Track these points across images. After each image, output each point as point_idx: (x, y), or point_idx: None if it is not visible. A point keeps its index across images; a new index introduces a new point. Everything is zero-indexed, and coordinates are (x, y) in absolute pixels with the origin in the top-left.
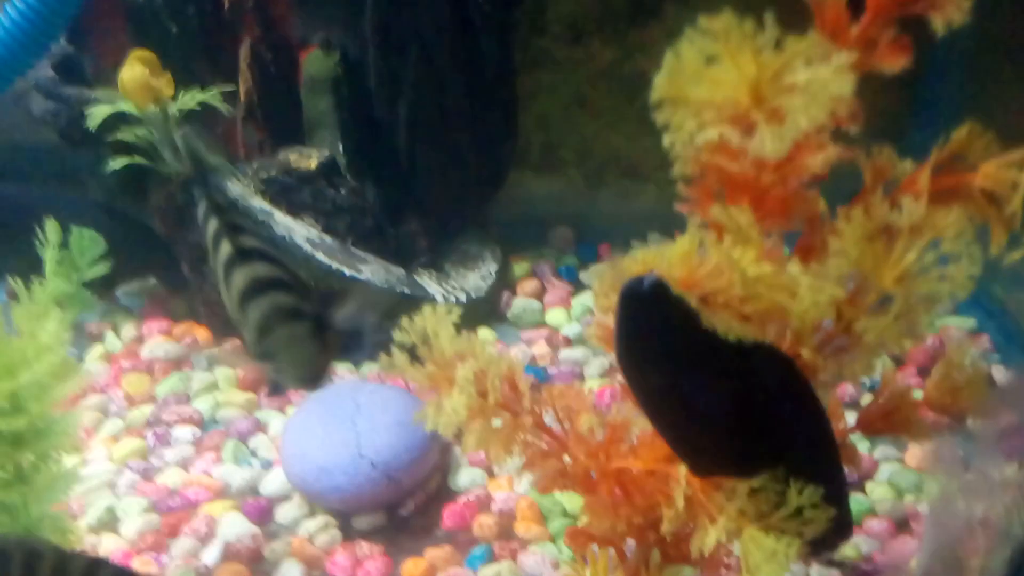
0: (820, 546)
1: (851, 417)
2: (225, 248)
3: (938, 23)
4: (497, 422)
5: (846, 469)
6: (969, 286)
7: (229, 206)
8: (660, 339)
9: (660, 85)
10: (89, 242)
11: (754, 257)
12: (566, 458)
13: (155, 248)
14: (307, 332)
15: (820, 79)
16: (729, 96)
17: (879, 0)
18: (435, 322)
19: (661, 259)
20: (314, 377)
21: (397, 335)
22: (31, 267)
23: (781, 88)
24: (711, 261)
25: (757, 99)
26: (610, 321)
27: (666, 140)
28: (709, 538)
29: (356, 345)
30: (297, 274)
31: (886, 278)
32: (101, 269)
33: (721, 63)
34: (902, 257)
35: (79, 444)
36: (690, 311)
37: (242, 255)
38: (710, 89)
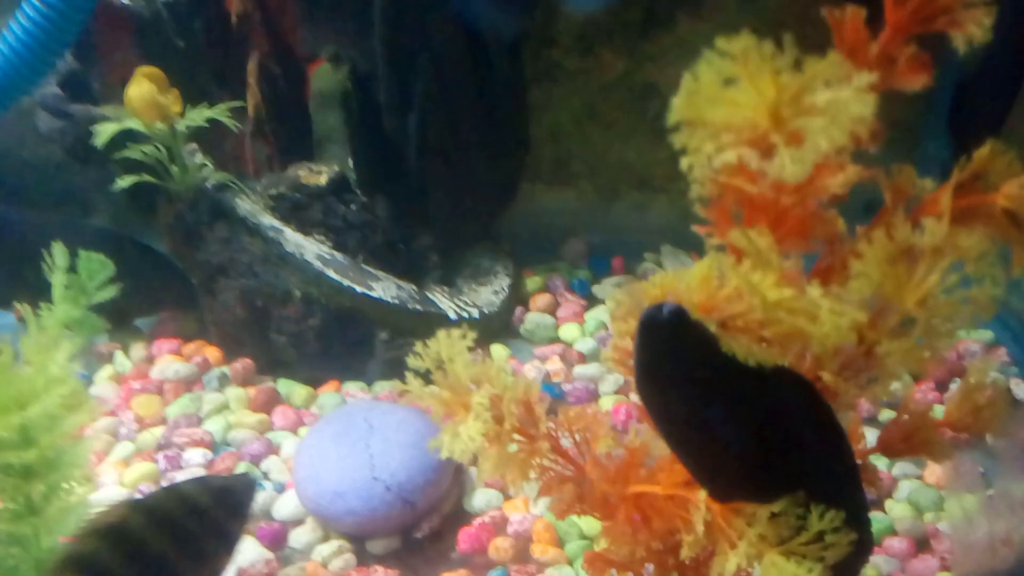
0: (842, 572)
1: (870, 433)
2: None
3: (959, 41)
4: (513, 447)
5: (867, 491)
6: (993, 308)
7: None
8: (680, 367)
9: (678, 108)
10: (97, 266)
11: (774, 281)
12: (584, 482)
13: (168, 279)
14: None
15: (840, 100)
16: (748, 118)
17: (898, 17)
18: (449, 347)
19: (680, 283)
20: None
21: (411, 360)
22: (37, 300)
23: (801, 109)
24: (730, 285)
25: (776, 121)
26: (627, 344)
27: (683, 163)
28: (730, 564)
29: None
30: None
31: (908, 300)
32: (109, 292)
33: (739, 85)
34: (924, 279)
35: (90, 474)
36: (710, 338)
37: None
38: (728, 111)
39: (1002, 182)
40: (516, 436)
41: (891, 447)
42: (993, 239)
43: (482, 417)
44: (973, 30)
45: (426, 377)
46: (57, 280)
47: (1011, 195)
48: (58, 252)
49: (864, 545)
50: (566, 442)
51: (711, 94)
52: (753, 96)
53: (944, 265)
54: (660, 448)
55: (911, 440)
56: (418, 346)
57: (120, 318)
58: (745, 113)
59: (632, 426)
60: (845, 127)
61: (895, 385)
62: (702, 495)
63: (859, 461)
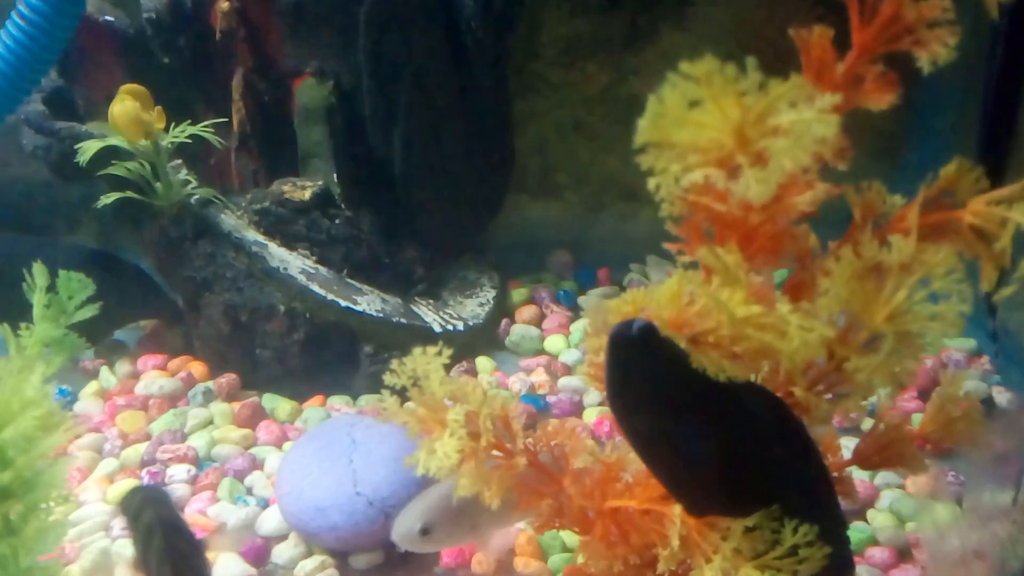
0: None
1: (852, 442)
2: None
3: (924, 61)
4: (491, 463)
5: (843, 503)
6: (960, 324)
7: None
8: (650, 383)
9: (644, 130)
10: (78, 285)
11: (742, 298)
12: (562, 497)
13: (148, 295)
14: None
15: (804, 121)
16: (713, 139)
17: (864, 38)
18: (425, 363)
19: (650, 299)
20: None
21: (387, 377)
22: (16, 324)
23: (765, 131)
24: (700, 301)
25: (741, 142)
26: (601, 360)
27: (651, 183)
28: None
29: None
30: None
31: (876, 317)
32: (90, 311)
33: (704, 106)
34: (892, 296)
35: (68, 494)
36: (679, 354)
37: None
38: (694, 132)
39: (969, 198)
40: (493, 452)
41: (867, 459)
42: (961, 255)
43: (457, 434)
44: (937, 50)
45: (404, 394)
46: (37, 300)
47: (977, 211)
48: (38, 272)
49: (843, 560)
50: (544, 456)
51: (677, 116)
52: (718, 117)
53: (912, 282)
54: (637, 462)
55: (886, 452)
56: (394, 363)
57: (92, 331)
58: (710, 134)
59: (609, 440)
60: (808, 148)
61: (872, 399)
62: (677, 509)
63: (836, 474)
